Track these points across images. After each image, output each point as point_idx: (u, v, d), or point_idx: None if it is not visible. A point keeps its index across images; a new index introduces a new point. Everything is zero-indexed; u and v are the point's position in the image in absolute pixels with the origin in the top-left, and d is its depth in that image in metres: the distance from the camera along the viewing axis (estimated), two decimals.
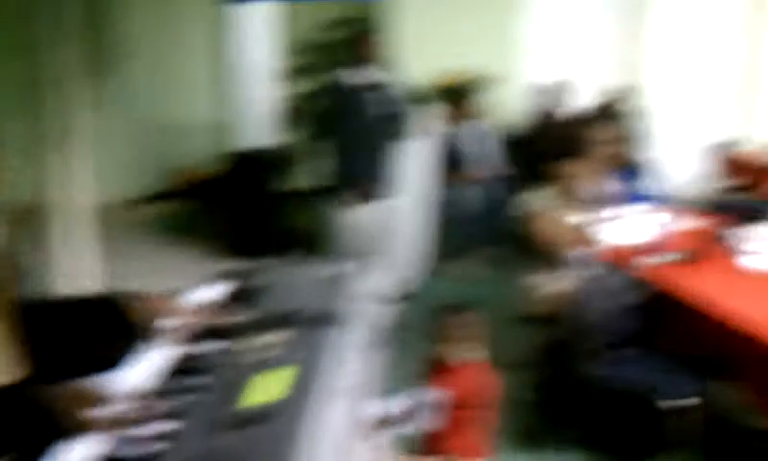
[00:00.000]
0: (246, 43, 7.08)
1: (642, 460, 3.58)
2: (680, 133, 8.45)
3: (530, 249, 4.09)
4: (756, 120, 8.61)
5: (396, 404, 2.73)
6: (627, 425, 3.84)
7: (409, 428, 2.80)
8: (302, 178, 6.66)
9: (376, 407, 2.45)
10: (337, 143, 5.02)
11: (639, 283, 3.69)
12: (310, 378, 1.92)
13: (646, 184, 5.92)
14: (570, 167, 4.08)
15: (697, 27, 8.36)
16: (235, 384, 1.92)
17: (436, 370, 2.96)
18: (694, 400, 3.31)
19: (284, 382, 1.91)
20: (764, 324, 3.08)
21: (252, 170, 6.65)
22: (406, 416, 2.77)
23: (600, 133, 4.92)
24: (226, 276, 2.64)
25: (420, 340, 3.07)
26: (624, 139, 7.09)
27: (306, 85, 7.22)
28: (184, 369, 2.04)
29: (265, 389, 1.90)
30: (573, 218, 4.00)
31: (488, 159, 6.40)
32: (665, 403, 3.31)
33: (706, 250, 3.97)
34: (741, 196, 7.32)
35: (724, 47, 8.50)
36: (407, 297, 5.13)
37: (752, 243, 3.93)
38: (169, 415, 1.80)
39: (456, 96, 6.59)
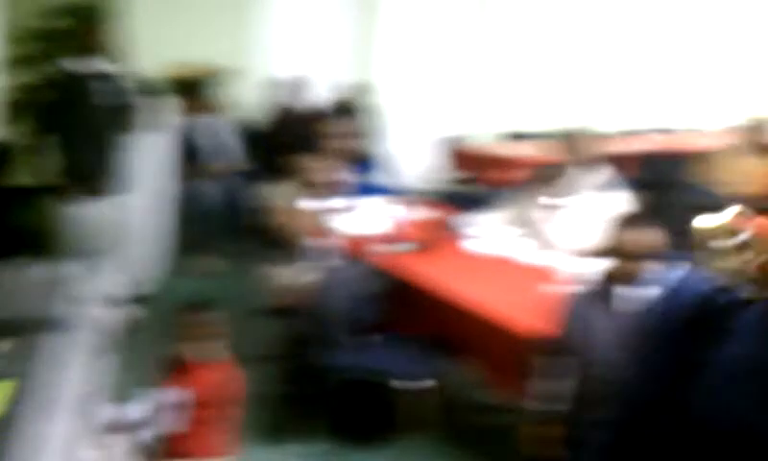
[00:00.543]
0: None
1: (385, 443, 3.69)
2: (410, 128, 8.84)
3: (271, 241, 4.08)
4: (479, 115, 9.23)
5: (135, 408, 2.60)
6: (369, 411, 3.95)
7: (150, 432, 2.68)
8: (25, 173, 6.17)
9: (111, 413, 2.31)
10: (63, 136, 4.68)
11: (376, 272, 3.79)
12: (30, 391, 1.76)
13: (380, 177, 6.14)
14: (308, 160, 4.11)
15: (426, 26, 8.79)
16: None
17: (176, 370, 2.85)
18: (432, 381, 3.46)
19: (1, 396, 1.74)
20: (491, 303, 3.27)
21: None
22: (146, 419, 2.65)
23: (336, 127, 5.01)
24: None
25: (160, 340, 2.95)
26: (359, 133, 7.30)
27: (27, 76, 6.70)
28: None
29: None
30: (311, 210, 4.04)
31: (225, 153, 6.30)
32: (405, 386, 3.43)
33: (437, 238, 4.17)
34: (467, 186, 7.80)
35: (450, 46, 9.01)
36: (143, 296, 4.92)
37: (478, 230, 4.18)
38: None
39: (192, 89, 6.42)
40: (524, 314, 3.06)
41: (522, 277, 3.70)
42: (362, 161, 5.65)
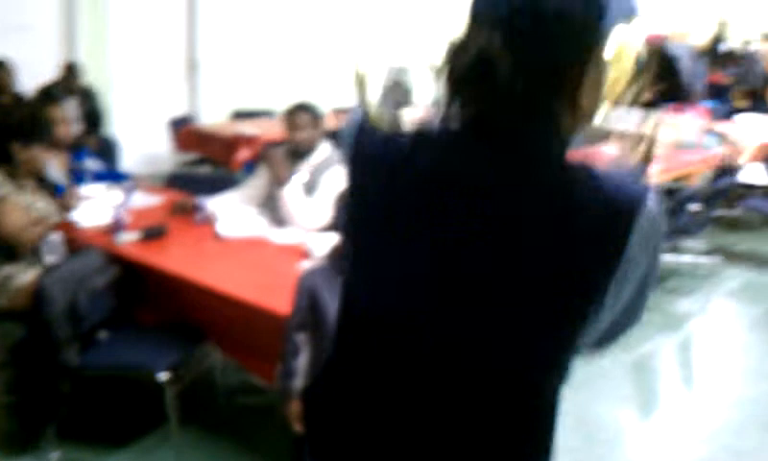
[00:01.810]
0: None
1: (127, 442, 3.56)
2: (136, 111, 8.53)
3: None
4: (204, 96, 9.12)
5: None
6: (116, 407, 3.80)
7: None
8: None
9: None
10: None
11: (108, 263, 3.61)
12: None
13: (103, 163, 5.83)
14: (19, 149, 3.79)
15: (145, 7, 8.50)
16: None
17: None
18: (174, 370, 3.36)
19: None
20: (240, 284, 3.24)
21: None
22: None
23: (53, 111, 4.70)
24: None
25: None
26: (74, 118, 6.90)
27: None
28: None
29: None
30: (27, 202, 3.75)
31: None
32: (152, 376, 3.30)
33: (173, 222, 4.06)
34: (202, 168, 7.69)
35: (170, 27, 8.80)
36: None
37: (218, 211, 4.11)
38: None
39: None
40: (275, 294, 3.06)
41: (273, 256, 3.69)
42: (86, 147, 5.36)
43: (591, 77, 1.17)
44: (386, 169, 1.27)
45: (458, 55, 1.16)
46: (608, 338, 1.28)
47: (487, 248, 1.18)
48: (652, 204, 1.15)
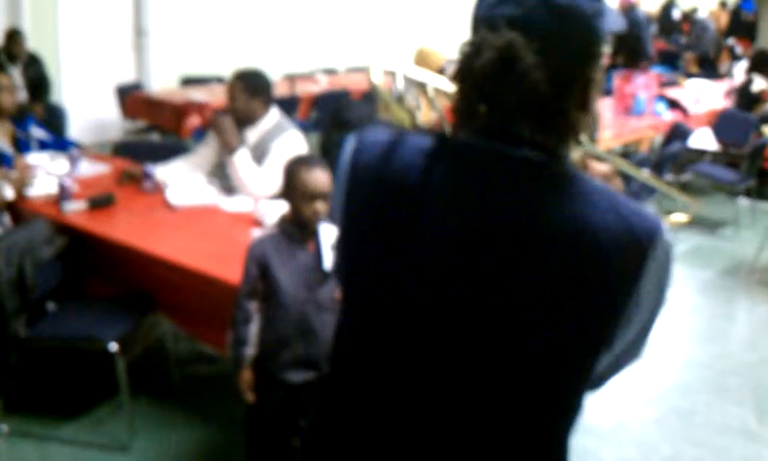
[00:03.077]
0: None
1: (80, 413, 3.52)
2: (83, 77, 8.35)
3: None
4: (152, 62, 8.95)
5: None
6: (66, 378, 3.74)
7: None
8: None
9: None
10: None
11: (59, 233, 3.54)
12: None
13: (54, 131, 5.71)
14: None
15: None
16: None
17: None
18: (130, 338, 3.32)
19: None
20: (184, 254, 3.20)
21: None
22: None
23: None
24: None
25: None
26: (24, 85, 6.76)
27: None
28: None
29: None
30: None
31: None
32: (102, 347, 3.25)
33: (121, 191, 3.98)
34: (150, 135, 7.56)
35: None
36: None
37: (167, 179, 4.04)
38: None
39: None
40: (225, 262, 3.02)
41: (223, 224, 3.63)
42: (26, 115, 5.22)
43: (596, 80, 1.14)
44: (396, 190, 1.18)
45: (474, 56, 1.09)
46: (606, 375, 1.22)
47: (500, 277, 1.10)
48: (668, 237, 1.10)
